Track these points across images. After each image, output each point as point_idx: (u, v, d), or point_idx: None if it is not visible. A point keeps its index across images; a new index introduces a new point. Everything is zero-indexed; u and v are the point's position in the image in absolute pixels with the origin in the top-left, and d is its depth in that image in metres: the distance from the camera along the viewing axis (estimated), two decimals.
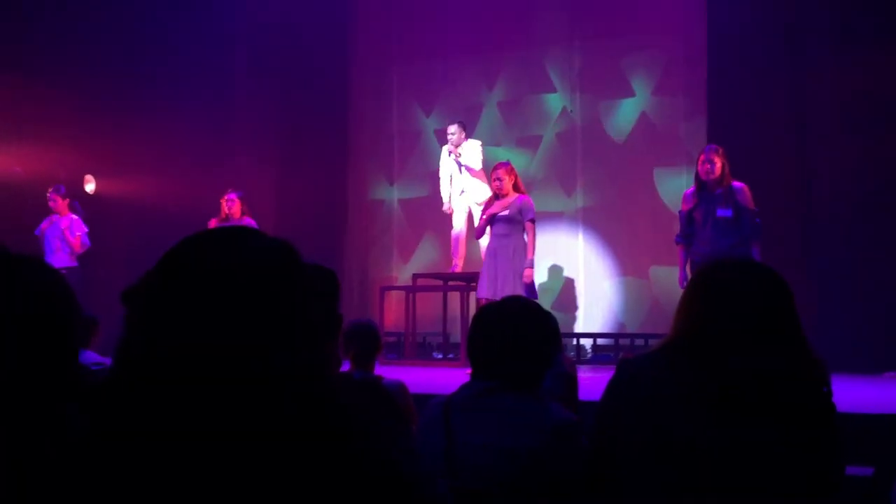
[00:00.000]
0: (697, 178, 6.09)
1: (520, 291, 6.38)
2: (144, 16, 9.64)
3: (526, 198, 6.89)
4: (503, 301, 2.34)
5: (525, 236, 6.79)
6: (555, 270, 9.79)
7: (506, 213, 6.77)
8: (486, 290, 6.80)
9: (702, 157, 6.04)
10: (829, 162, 8.06)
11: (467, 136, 8.74)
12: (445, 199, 8.87)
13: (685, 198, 6.22)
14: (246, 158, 10.81)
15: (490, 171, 7.25)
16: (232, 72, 10.86)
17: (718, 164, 5.95)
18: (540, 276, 9.65)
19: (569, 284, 9.74)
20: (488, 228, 6.98)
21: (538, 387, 2.19)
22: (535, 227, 6.87)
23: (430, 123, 10.64)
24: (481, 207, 8.46)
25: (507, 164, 6.98)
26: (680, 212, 6.25)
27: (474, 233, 7.50)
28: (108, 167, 9.50)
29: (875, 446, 3.87)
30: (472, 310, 7.62)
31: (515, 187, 6.88)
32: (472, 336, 2.22)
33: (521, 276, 6.67)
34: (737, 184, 5.98)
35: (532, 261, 6.75)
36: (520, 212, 6.76)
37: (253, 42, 10.99)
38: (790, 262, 7.31)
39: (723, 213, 5.88)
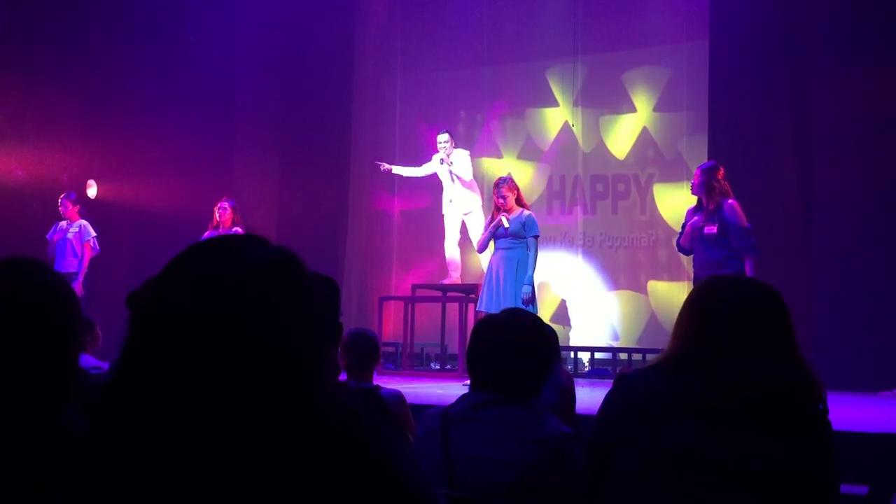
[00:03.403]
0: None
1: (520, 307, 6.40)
2: (149, 23, 9.68)
3: (532, 214, 6.91)
4: (503, 313, 2.35)
5: (528, 251, 6.79)
6: (553, 284, 9.79)
7: (508, 226, 6.76)
8: (487, 305, 6.79)
9: (695, 174, 6.26)
10: (831, 179, 8.06)
11: (456, 146, 8.79)
12: (401, 170, 9.20)
13: (687, 213, 6.40)
14: (247, 166, 10.84)
15: (492, 185, 7.24)
16: (234, 80, 10.89)
17: (699, 181, 6.12)
18: (539, 289, 9.65)
19: (567, 298, 9.74)
20: (491, 242, 7.00)
21: (536, 398, 2.19)
22: (538, 242, 6.88)
23: (431, 135, 10.65)
24: (467, 216, 8.55)
25: (509, 180, 6.98)
26: (682, 226, 6.39)
27: (477, 246, 7.49)
28: (110, 172, 9.52)
29: (870, 465, 3.87)
30: (471, 321, 7.62)
31: (518, 202, 6.89)
32: (471, 347, 2.22)
33: (520, 291, 6.69)
34: (728, 201, 6.04)
35: (531, 277, 6.75)
36: (524, 226, 6.76)
37: (256, 51, 11.01)
38: (790, 279, 7.31)
39: (708, 230, 6.01)
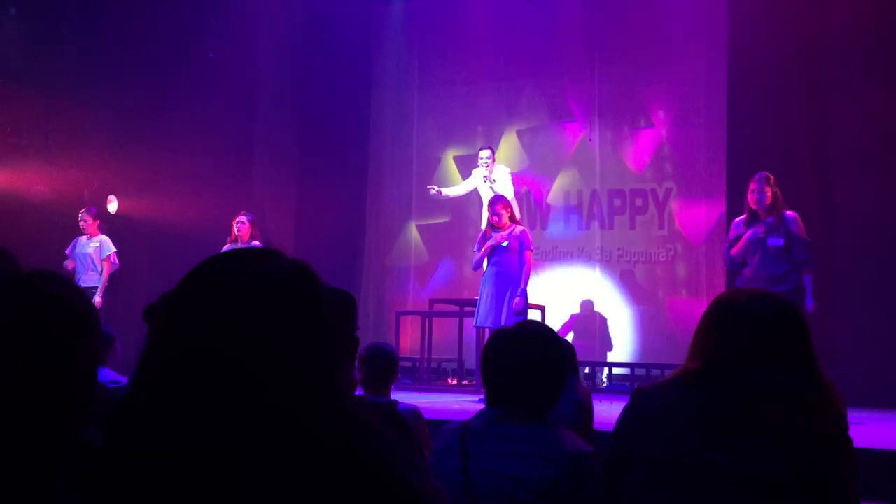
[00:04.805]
0: (748, 206, 5.96)
1: (513, 320, 6.43)
2: (170, 39, 9.77)
3: (525, 229, 7.11)
4: (517, 326, 2.33)
5: (521, 265, 6.93)
6: (571, 299, 9.76)
7: (507, 243, 6.93)
8: (482, 320, 7.02)
9: (752, 186, 5.91)
10: (851, 194, 8.02)
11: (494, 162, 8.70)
12: (448, 190, 8.92)
13: (734, 225, 6.11)
14: (266, 181, 10.90)
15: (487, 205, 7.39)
16: (254, 96, 10.97)
17: (769, 192, 5.82)
18: (556, 305, 9.63)
19: (585, 313, 9.71)
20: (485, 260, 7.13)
21: (550, 413, 2.17)
22: (531, 256, 7.05)
23: (449, 150, 10.68)
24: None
25: (503, 199, 7.18)
26: (727, 238, 6.16)
27: (472, 264, 7.53)
28: (131, 187, 9.59)
29: (892, 482, 3.83)
30: (485, 336, 7.62)
31: (511, 218, 7.06)
32: (484, 362, 2.21)
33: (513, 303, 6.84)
34: (789, 213, 5.88)
35: (524, 290, 6.89)
36: (520, 242, 6.94)
37: (275, 68, 11.10)
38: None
39: (774, 241, 5.76)
